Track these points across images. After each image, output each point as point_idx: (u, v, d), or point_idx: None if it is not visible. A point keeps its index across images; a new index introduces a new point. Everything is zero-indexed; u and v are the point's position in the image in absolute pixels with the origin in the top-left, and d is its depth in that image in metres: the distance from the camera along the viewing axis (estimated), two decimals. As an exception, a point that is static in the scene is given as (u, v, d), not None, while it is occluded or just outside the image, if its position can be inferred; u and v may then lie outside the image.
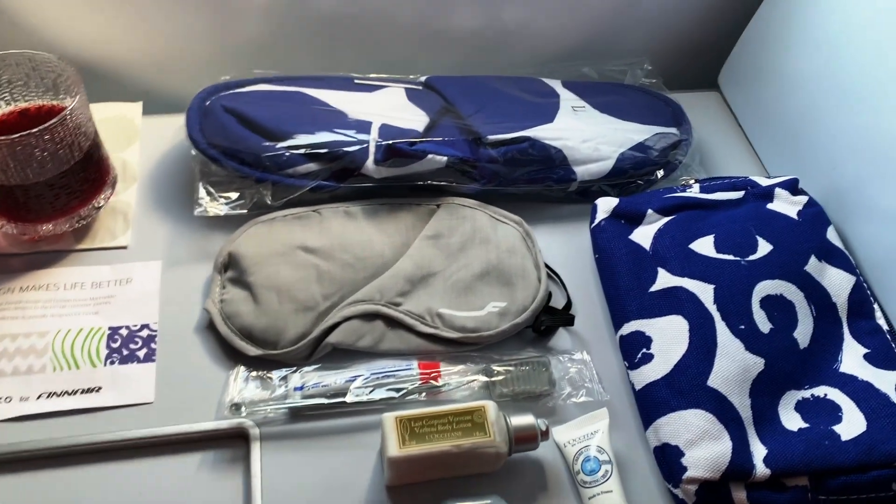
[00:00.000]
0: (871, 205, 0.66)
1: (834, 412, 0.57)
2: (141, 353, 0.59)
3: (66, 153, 0.59)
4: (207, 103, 0.70)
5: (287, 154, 0.66)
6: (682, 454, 0.54)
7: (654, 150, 0.73)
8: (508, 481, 0.55)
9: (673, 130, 0.76)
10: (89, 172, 0.62)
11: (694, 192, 0.69)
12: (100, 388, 0.57)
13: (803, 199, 0.68)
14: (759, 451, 0.54)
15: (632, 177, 0.73)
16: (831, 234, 0.66)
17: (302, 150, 0.66)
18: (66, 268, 0.64)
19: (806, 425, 0.56)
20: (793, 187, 0.69)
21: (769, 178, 0.71)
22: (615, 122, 0.75)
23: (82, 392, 0.57)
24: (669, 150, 0.74)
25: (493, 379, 0.59)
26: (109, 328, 0.60)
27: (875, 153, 0.66)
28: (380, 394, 0.57)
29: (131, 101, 0.76)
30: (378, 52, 0.83)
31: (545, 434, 0.55)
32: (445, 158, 0.68)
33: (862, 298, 0.63)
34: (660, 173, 0.74)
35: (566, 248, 0.70)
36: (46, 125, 0.56)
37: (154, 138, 0.74)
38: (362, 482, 0.55)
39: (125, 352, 0.59)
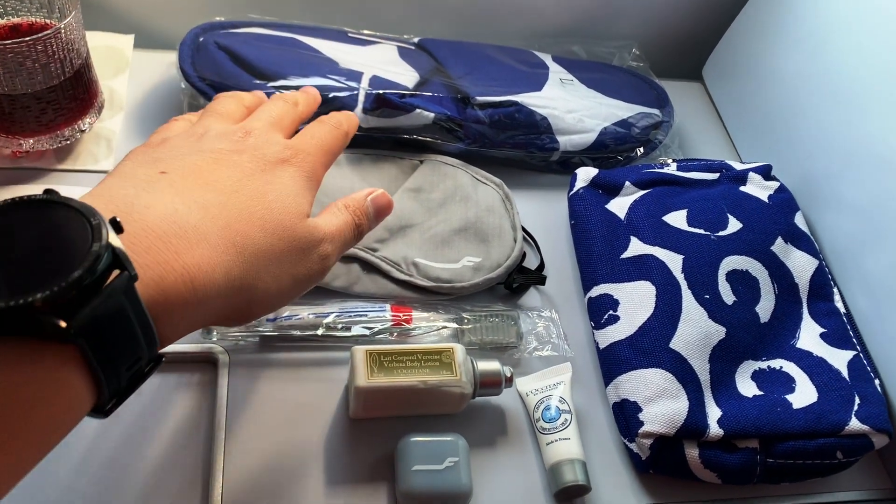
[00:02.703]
0: (839, 196, 0.68)
1: (788, 383, 0.59)
2: (115, 274, 0.59)
3: (56, 68, 0.59)
4: (201, 39, 0.70)
5: (276, 94, 0.66)
6: (639, 410, 0.56)
7: (637, 127, 0.75)
8: (470, 423, 0.56)
9: (655, 111, 0.78)
10: (77, 91, 0.62)
11: (671, 170, 0.71)
12: (71, 303, 0.57)
13: (775, 184, 0.70)
14: (713, 412, 0.56)
15: (612, 152, 0.74)
16: (799, 220, 0.68)
17: (291, 91, 0.66)
18: (47, 185, 0.63)
19: (760, 393, 0.58)
20: (766, 173, 0.71)
21: (744, 163, 0.73)
22: (601, 98, 0.76)
23: (53, 305, 0.57)
24: (651, 130, 0.76)
25: (462, 327, 0.60)
26: (85, 247, 0.60)
27: (846, 149, 0.68)
28: (351, 330, 0.58)
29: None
30: (372, 14, 0.83)
31: (509, 380, 0.56)
32: (433, 115, 0.69)
33: (823, 282, 0.65)
34: (639, 151, 0.75)
35: (543, 214, 0.71)
36: (40, 35, 0.55)
37: (143, 71, 0.74)
38: (326, 413, 0.56)
39: (99, 271, 0.59)
